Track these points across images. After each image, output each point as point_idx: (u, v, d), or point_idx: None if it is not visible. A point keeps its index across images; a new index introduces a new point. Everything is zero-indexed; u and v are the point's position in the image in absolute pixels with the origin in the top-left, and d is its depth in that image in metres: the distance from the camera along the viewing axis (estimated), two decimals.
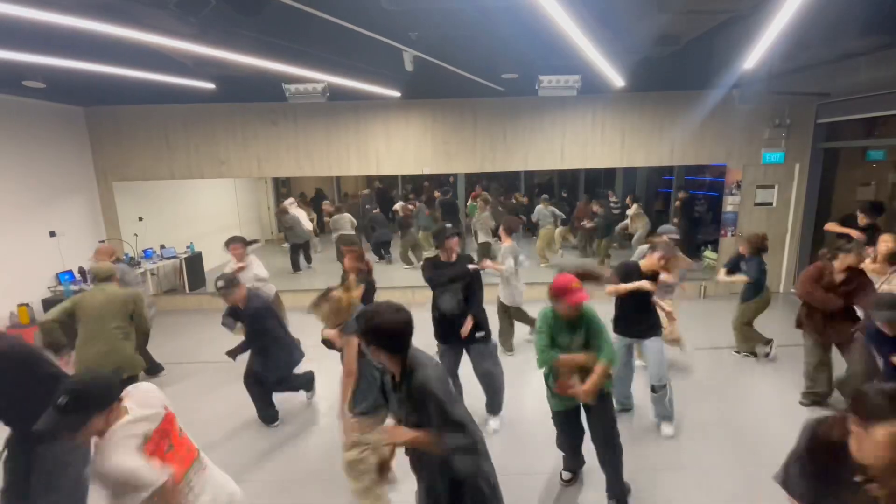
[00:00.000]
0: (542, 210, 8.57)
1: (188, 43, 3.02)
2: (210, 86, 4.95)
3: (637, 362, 3.99)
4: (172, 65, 3.93)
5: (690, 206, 8.12)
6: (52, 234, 5.92)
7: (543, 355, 2.69)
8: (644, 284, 3.43)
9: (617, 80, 4.71)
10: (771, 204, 6.80)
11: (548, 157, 6.75)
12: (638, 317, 3.57)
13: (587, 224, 8.78)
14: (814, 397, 3.91)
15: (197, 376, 4.82)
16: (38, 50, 3.46)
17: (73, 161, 6.41)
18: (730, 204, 6.82)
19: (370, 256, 6.10)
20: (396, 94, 5.67)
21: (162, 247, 7.29)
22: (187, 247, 7.68)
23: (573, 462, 3.17)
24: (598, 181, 10.84)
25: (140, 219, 7.22)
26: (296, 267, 8.35)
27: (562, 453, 3.18)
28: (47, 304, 5.27)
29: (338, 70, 4.44)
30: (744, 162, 6.65)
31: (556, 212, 8.72)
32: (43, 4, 2.37)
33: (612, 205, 8.74)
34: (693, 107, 6.43)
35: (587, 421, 2.91)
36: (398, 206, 8.90)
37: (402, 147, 6.75)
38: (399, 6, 2.79)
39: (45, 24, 2.48)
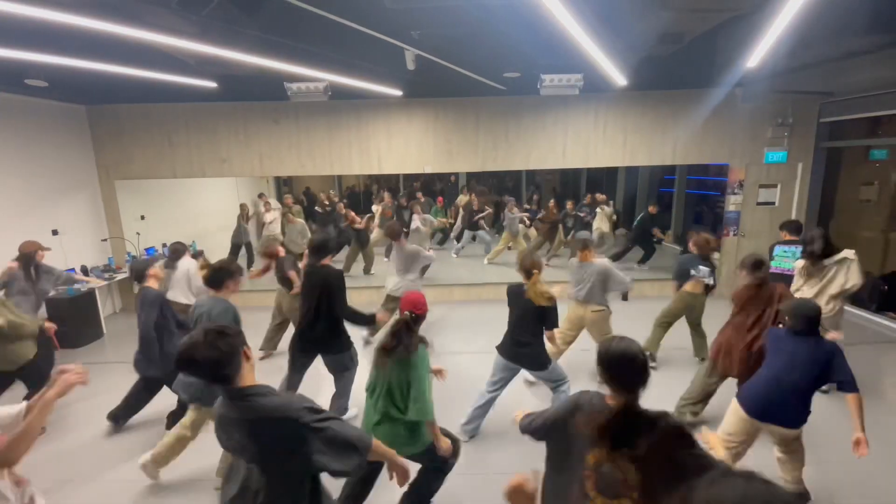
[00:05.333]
0: (508, 215, 8.39)
1: (190, 41, 3.02)
2: (212, 84, 4.95)
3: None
4: (175, 63, 3.94)
5: (661, 215, 8.50)
6: (55, 232, 5.93)
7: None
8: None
9: (619, 78, 4.70)
10: (773, 203, 6.77)
11: (550, 156, 6.74)
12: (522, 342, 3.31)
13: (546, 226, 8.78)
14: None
15: None
16: (41, 48, 3.47)
17: (76, 159, 6.42)
18: (732, 203, 6.80)
19: None
20: (398, 92, 5.66)
21: (164, 245, 7.29)
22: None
23: None
24: (598, 180, 10.83)
25: (142, 217, 7.23)
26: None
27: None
28: (49, 302, 5.27)
29: (340, 69, 4.44)
30: (746, 161, 6.63)
31: (524, 217, 8.70)
32: (45, 3, 2.37)
33: (586, 209, 8.73)
34: (696, 105, 6.41)
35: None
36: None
37: (403, 146, 6.74)
38: (401, 4, 2.79)
39: (47, 22, 2.48)
